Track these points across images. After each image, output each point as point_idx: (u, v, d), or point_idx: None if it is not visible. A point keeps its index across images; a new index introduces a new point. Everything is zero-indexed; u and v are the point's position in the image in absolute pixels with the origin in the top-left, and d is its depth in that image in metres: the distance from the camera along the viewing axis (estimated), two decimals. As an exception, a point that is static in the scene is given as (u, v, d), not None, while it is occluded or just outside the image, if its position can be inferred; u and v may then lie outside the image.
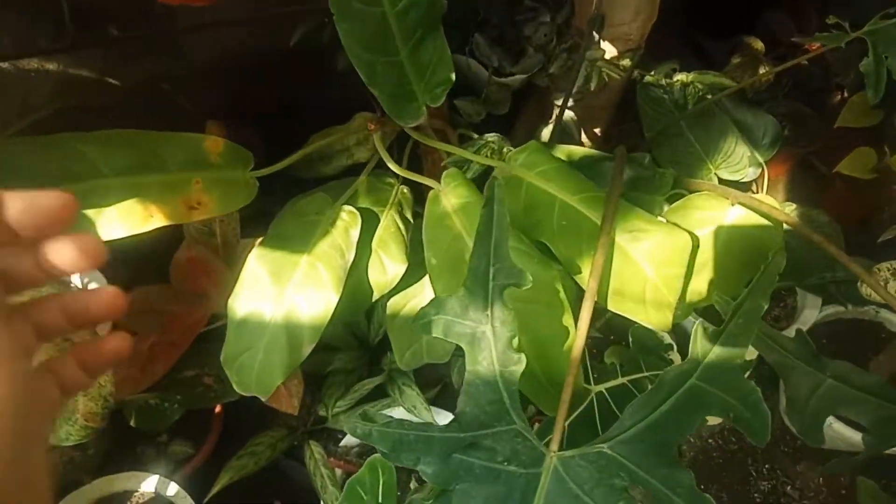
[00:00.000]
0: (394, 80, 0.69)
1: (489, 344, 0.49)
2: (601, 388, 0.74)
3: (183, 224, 1.02)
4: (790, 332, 1.19)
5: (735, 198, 0.84)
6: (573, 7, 0.96)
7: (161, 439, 1.09)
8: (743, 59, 1.34)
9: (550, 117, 1.06)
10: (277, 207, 1.04)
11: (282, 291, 0.72)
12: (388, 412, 1.09)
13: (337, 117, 1.04)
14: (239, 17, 1.07)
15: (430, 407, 1.06)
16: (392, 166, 0.76)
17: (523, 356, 0.48)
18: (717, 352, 0.47)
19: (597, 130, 1.18)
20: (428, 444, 0.50)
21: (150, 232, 1.11)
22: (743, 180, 1.10)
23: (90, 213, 0.62)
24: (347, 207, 0.76)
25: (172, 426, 1.01)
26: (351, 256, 0.74)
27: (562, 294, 0.62)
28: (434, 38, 0.69)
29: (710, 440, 1.29)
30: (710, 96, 1.02)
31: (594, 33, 0.93)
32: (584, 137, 1.17)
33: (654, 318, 0.67)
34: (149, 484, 1.00)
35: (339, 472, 1.05)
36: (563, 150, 0.85)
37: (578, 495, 0.50)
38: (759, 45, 1.34)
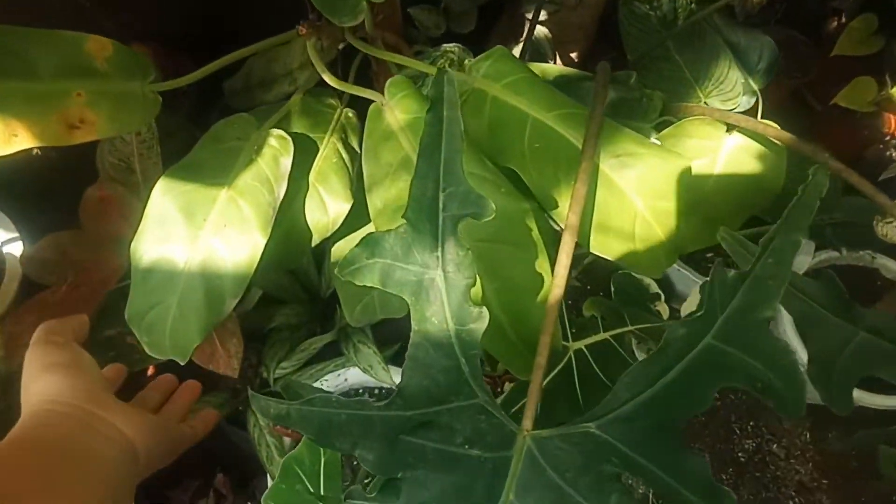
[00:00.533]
0: (325, -34, 0.55)
1: (440, 294, 0.37)
2: (580, 344, 0.63)
3: (98, 159, 0.88)
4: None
5: (735, 122, 0.73)
6: None
7: (84, 407, 0.96)
8: (734, -22, 1.22)
9: (519, 36, 0.93)
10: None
11: (196, 233, 0.59)
12: (342, 373, 0.98)
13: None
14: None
15: (389, 366, 0.94)
16: (329, 79, 0.62)
17: (485, 310, 0.36)
18: (739, 302, 0.36)
19: (573, 55, 1.05)
20: (366, 426, 0.38)
21: (62, 170, 0.96)
22: (735, 110, 0.98)
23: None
24: (277, 132, 0.63)
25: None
26: (281, 191, 0.61)
27: (535, 233, 0.50)
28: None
29: (691, 395, 1.20)
30: (700, 11, 0.89)
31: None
32: (559, 63, 1.04)
33: (643, 260, 0.56)
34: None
35: (287, 441, 0.93)
36: (536, 68, 0.72)
37: (559, 485, 0.39)
38: (752, -38, 1.21)
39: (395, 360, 0.99)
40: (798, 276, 0.48)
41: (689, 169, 0.54)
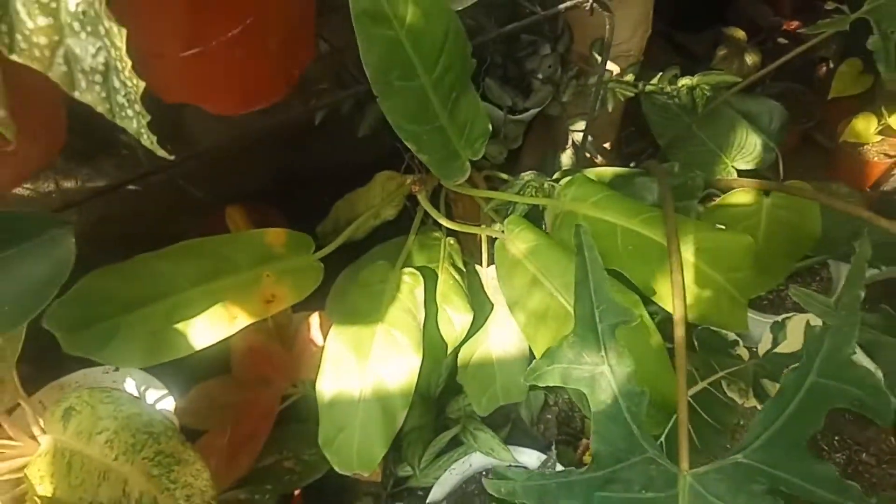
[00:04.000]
0: (438, 144, 0.71)
1: (609, 383, 0.50)
2: (688, 395, 0.76)
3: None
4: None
5: (769, 188, 0.87)
6: (571, 35, 0.99)
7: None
8: (728, 51, 1.39)
9: (565, 144, 1.09)
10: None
11: (364, 365, 0.73)
12: (465, 460, 1.10)
13: (350, 182, 1.06)
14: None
15: (508, 446, 1.06)
16: (444, 221, 0.78)
17: (646, 389, 0.50)
18: (827, 346, 0.49)
19: (606, 145, 1.22)
20: (569, 489, 0.51)
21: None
22: (759, 168, 1.13)
23: (179, 326, 0.64)
24: (407, 269, 0.78)
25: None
26: (422, 317, 0.75)
27: (646, 316, 0.64)
28: (467, 96, 0.72)
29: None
30: (718, 97, 1.04)
31: (598, 56, 0.96)
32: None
33: (730, 320, 0.69)
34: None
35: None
36: (593, 174, 0.88)
37: (720, 508, 0.51)
38: (740, 34, 1.38)
39: (508, 440, 1.11)
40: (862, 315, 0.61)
41: (753, 243, 0.68)
